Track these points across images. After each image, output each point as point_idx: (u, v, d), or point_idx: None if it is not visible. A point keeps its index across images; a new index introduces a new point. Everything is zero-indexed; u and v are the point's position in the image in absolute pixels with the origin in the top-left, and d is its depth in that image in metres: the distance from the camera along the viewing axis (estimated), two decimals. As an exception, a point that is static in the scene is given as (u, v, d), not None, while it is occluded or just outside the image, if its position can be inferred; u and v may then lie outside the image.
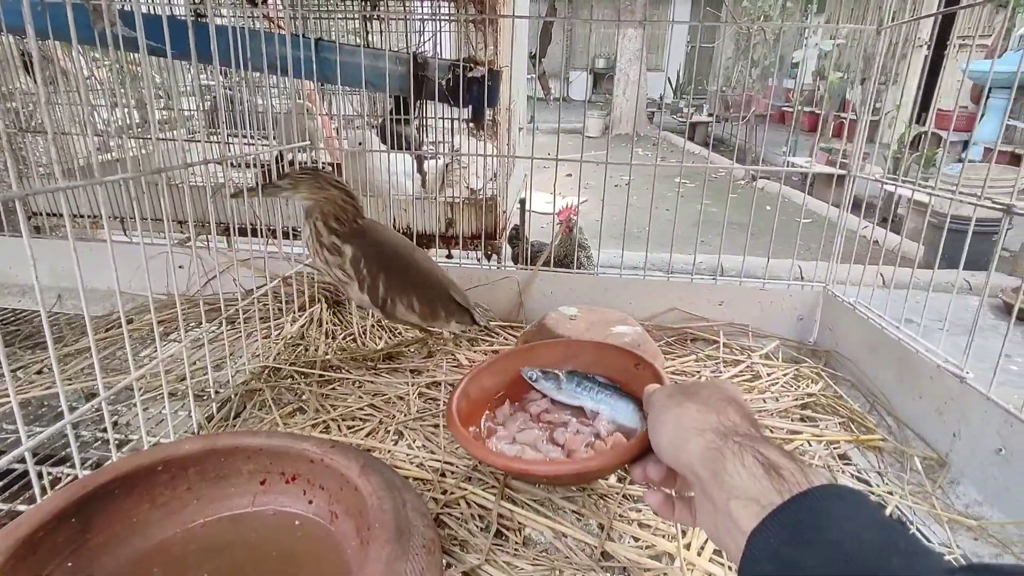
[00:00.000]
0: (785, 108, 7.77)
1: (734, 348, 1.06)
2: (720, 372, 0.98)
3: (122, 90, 1.75)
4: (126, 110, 1.81)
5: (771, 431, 0.82)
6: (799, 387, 0.94)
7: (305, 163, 1.23)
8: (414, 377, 0.92)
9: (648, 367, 0.71)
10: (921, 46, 1.33)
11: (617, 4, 7.84)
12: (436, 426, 0.80)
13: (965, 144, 4.62)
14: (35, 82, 1.65)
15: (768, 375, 0.97)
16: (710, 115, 7.54)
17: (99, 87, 1.81)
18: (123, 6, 1.37)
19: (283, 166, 1.55)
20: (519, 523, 0.63)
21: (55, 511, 0.46)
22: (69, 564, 0.47)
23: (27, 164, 1.54)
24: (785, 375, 0.97)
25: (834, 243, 1.10)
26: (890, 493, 0.71)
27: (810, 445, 0.80)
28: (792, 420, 0.86)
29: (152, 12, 1.54)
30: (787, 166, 1.25)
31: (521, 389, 0.75)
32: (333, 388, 0.88)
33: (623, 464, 0.58)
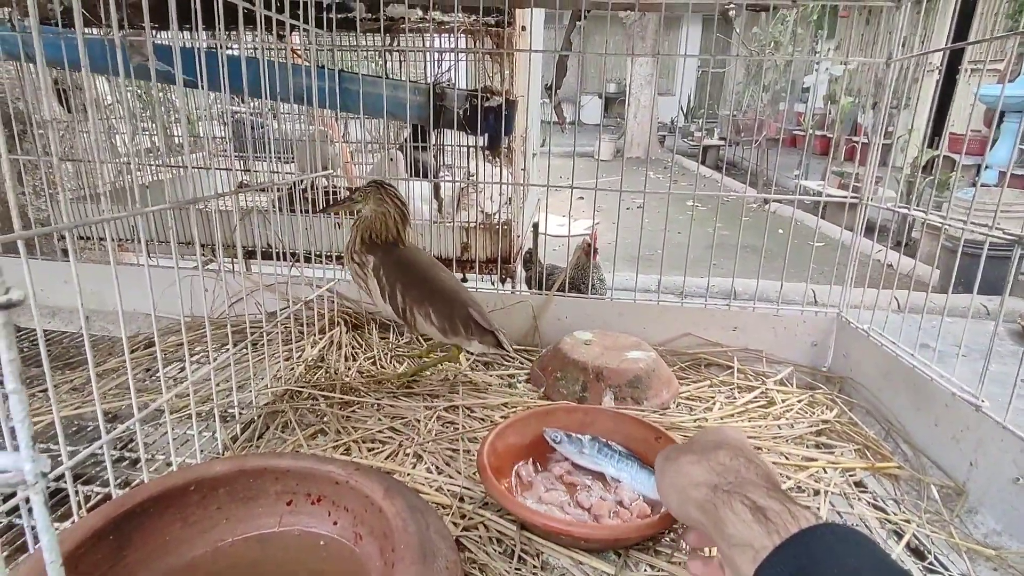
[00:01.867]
0: (796, 132, 7.80)
1: (748, 374, 1.07)
2: (735, 398, 0.99)
3: (147, 115, 1.81)
4: (154, 137, 1.87)
5: (786, 458, 0.82)
6: (814, 413, 0.95)
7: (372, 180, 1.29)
8: (432, 401, 0.94)
9: (668, 440, 0.73)
10: (933, 71, 1.35)
11: (629, 32, 7.97)
12: (455, 450, 0.81)
13: (979, 168, 4.61)
14: (68, 111, 1.72)
15: (783, 401, 0.97)
16: (722, 139, 7.59)
17: (122, 113, 1.88)
18: (158, 40, 1.43)
19: (302, 190, 1.59)
20: (537, 549, 0.64)
21: (94, 529, 0.48)
22: (106, 581, 0.48)
23: (61, 189, 1.60)
24: (800, 401, 0.97)
25: (847, 268, 1.11)
26: (907, 521, 0.71)
27: (825, 472, 0.80)
28: (807, 447, 0.86)
29: (184, 45, 1.60)
30: (799, 190, 1.26)
31: (542, 448, 0.77)
32: (353, 411, 0.90)
33: (657, 532, 0.64)
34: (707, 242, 1.13)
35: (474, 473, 0.76)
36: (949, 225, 0.81)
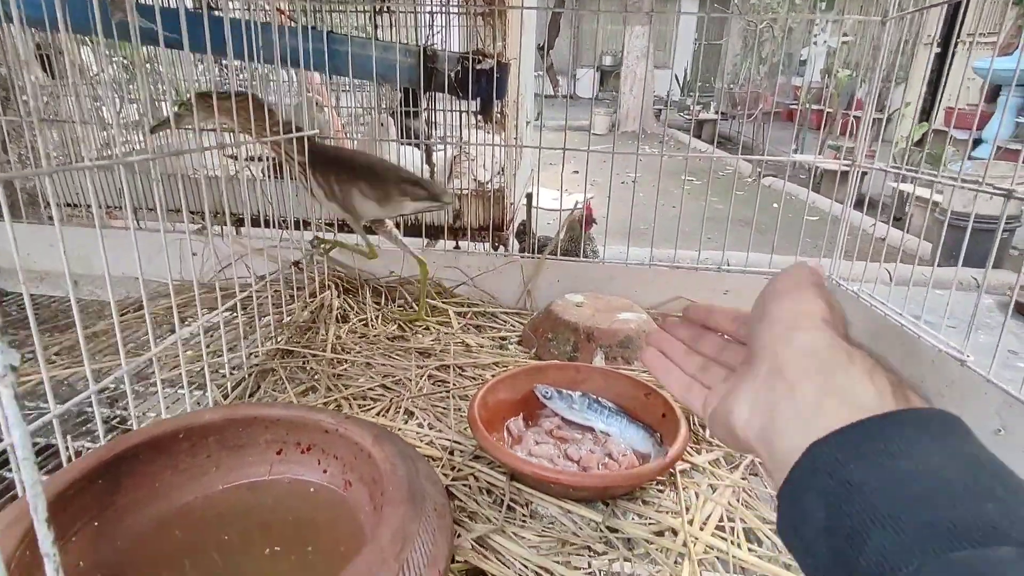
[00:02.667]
0: (793, 106, 7.74)
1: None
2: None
3: (132, 86, 1.77)
4: (136, 105, 1.84)
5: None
6: (802, 373, 0.95)
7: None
8: (424, 360, 0.94)
9: (658, 396, 0.74)
10: (929, 44, 1.34)
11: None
12: (446, 408, 0.82)
13: (976, 142, 4.61)
14: (51, 76, 1.68)
15: (772, 362, 0.98)
16: (721, 114, 7.53)
17: (108, 81, 1.84)
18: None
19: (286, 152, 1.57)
20: (526, 499, 0.65)
21: (85, 471, 0.48)
22: (96, 524, 0.49)
23: (29, 153, 1.57)
24: (789, 362, 0.98)
25: (839, 232, 1.11)
26: (890, 473, 0.72)
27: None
28: (795, 404, 0.87)
29: (167, 5, 1.56)
30: (792, 162, 1.26)
31: (533, 405, 0.78)
32: (344, 369, 0.90)
33: (646, 481, 0.67)
34: (701, 216, 1.12)
35: (465, 428, 0.76)
36: (939, 182, 0.81)
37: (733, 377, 0.38)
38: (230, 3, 1.30)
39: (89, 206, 1.50)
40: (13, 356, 0.22)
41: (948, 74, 1.34)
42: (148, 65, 1.89)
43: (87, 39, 1.61)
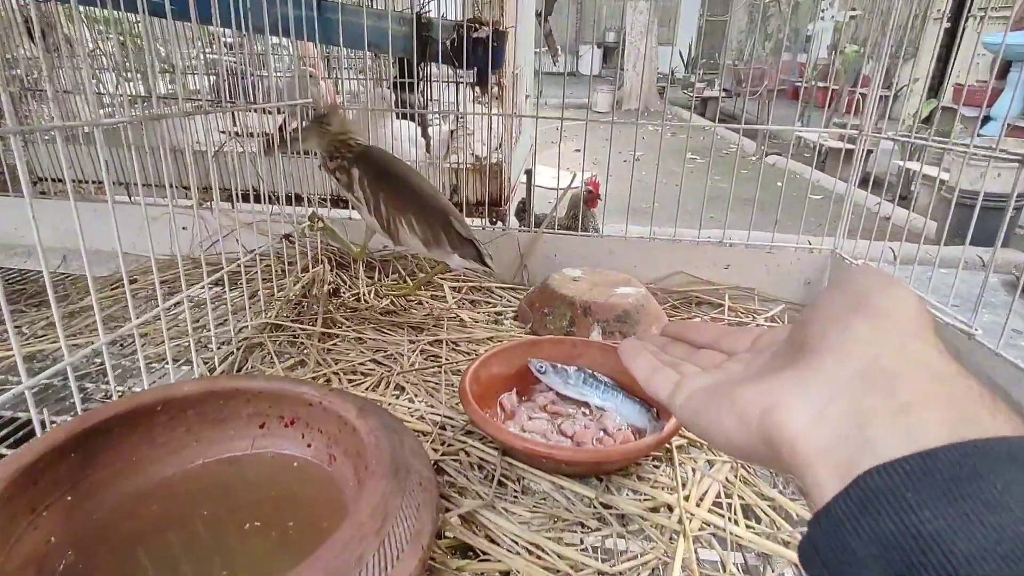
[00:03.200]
0: (798, 83, 7.61)
1: (739, 311, 1.05)
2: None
3: (130, 63, 1.73)
4: (130, 83, 1.80)
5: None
6: (804, 349, 0.93)
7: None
8: (417, 335, 0.92)
9: None
10: (938, 18, 1.29)
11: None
12: (438, 383, 0.80)
13: (985, 120, 4.53)
14: (39, 48, 1.64)
15: (773, 337, 0.96)
16: (725, 91, 7.41)
17: (104, 56, 1.80)
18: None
19: (287, 133, 1.54)
20: (518, 474, 0.63)
21: (56, 444, 0.46)
22: (68, 498, 0.47)
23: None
24: (790, 337, 0.96)
25: (843, 210, 1.08)
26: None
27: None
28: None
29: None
30: (797, 138, 1.22)
31: (527, 380, 0.76)
32: (335, 344, 0.88)
33: (641, 456, 0.65)
34: (703, 194, 1.09)
35: (457, 404, 0.75)
36: (950, 149, 0.78)
37: (758, 364, 0.31)
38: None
39: (93, 181, 1.48)
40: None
41: (958, 50, 1.29)
42: (139, 41, 1.85)
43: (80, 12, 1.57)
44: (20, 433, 0.68)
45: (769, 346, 0.33)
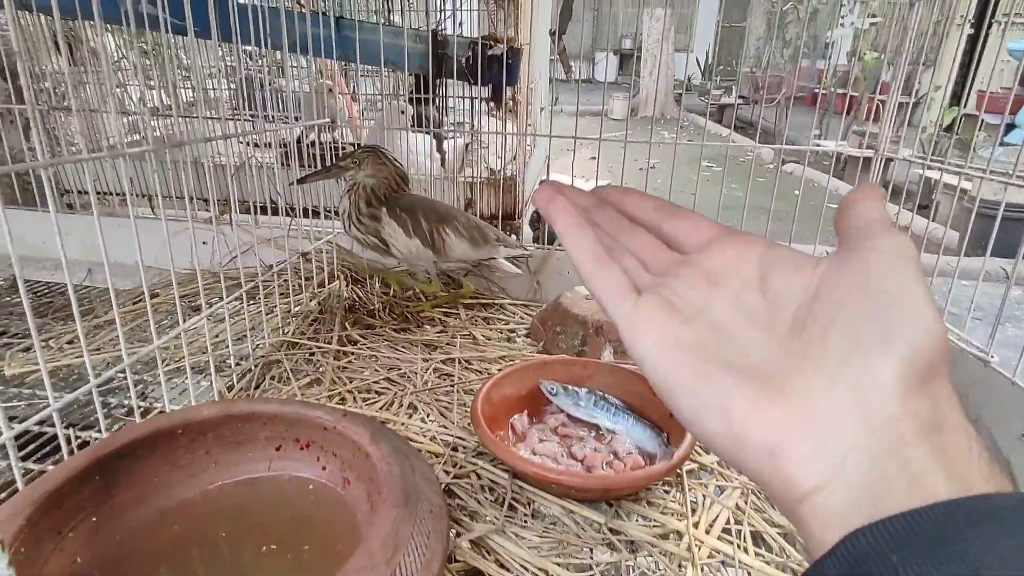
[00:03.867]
0: (817, 90, 7.54)
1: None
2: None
3: (155, 73, 1.78)
4: (155, 92, 1.84)
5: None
6: (818, 370, 0.93)
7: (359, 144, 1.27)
8: (430, 353, 0.93)
9: None
10: (961, 24, 1.28)
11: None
12: (450, 402, 0.81)
13: (1008, 127, 4.44)
14: (66, 62, 1.69)
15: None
16: (741, 98, 7.36)
17: (130, 68, 1.85)
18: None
19: (305, 145, 1.56)
20: (528, 498, 0.64)
21: (80, 468, 0.48)
22: (93, 519, 0.49)
23: (59, 143, 1.58)
24: (804, 358, 0.95)
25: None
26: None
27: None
28: (809, 402, 0.84)
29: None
30: (809, 144, 1.22)
31: (538, 401, 0.76)
32: (350, 361, 0.89)
33: (648, 484, 0.65)
34: (723, 203, 1.09)
35: (468, 424, 0.75)
36: (966, 173, 0.77)
37: (756, 338, 0.25)
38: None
39: (117, 193, 1.52)
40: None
41: (981, 56, 1.28)
42: (166, 51, 1.89)
43: (108, 26, 1.61)
44: (47, 448, 0.70)
45: (775, 303, 0.25)
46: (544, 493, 0.64)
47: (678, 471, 0.67)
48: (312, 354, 0.91)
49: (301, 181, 0.94)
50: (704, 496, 0.65)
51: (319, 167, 0.98)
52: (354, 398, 0.80)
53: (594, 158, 1.31)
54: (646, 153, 1.11)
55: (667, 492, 0.66)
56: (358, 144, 1.28)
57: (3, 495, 0.63)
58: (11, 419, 0.74)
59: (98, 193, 1.57)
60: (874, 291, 0.23)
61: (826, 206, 1.09)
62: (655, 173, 1.15)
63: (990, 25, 1.32)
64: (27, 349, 0.93)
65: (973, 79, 1.01)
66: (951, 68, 1.09)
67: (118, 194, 1.49)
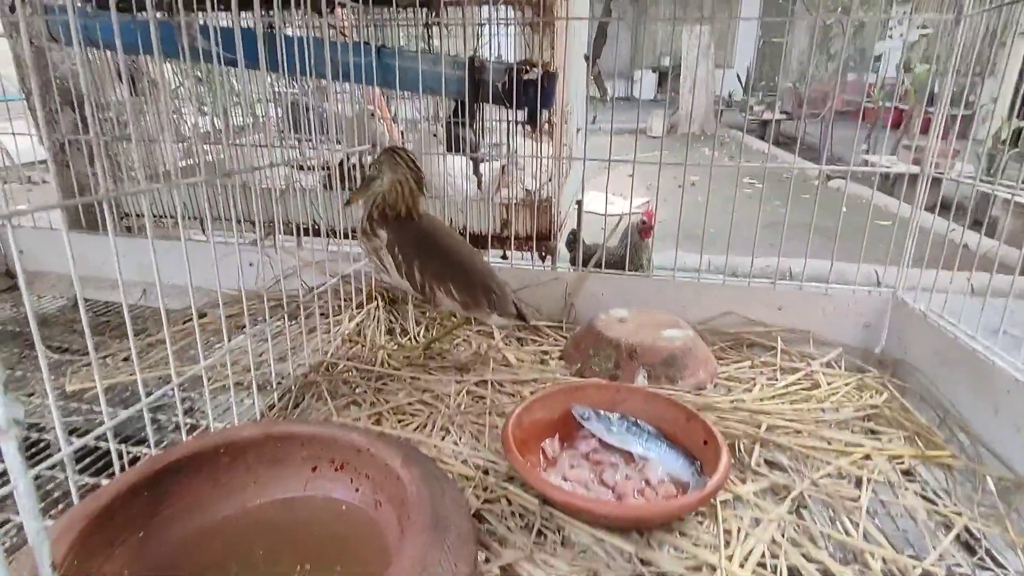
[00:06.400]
0: (866, 104, 7.33)
1: (793, 355, 1.02)
2: (776, 379, 0.95)
3: (208, 99, 1.87)
4: (210, 118, 1.94)
5: (828, 443, 0.78)
6: (862, 398, 0.90)
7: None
8: (463, 375, 0.94)
9: (699, 422, 0.71)
10: (1023, 33, 1.23)
11: None
12: (483, 425, 0.81)
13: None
14: (128, 92, 1.80)
15: (828, 384, 0.93)
16: (784, 113, 7.22)
17: (185, 95, 1.95)
18: (203, 21, 1.47)
19: (348, 168, 1.61)
20: (558, 524, 0.64)
21: (130, 484, 0.50)
22: (141, 534, 0.51)
23: (121, 169, 1.68)
24: (847, 385, 0.93)
25: (905, 245, 1.03)
26: (958, 514, 0.67)
27: (870, 459, 0.76)
28: (852, 432, 0.82)
29: (228, 26, 1.64)
30: (863, 161, 1.19)
31: (570, 425, 0.76)
32: (385, 383, 0.91)
33: (680, 516, 0.64)
34: (765, 221, 1.07)
35: (500, 447, 0.76)
36: (1017, 196, 0.74)
37: None
38: (286, 24, 1.35)
39: (171, 216, 1.60)
40: (17, 410, 0.23)
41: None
42: (218, 78, 2.00)
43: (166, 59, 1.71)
44: (100, 462, 0.74)
45: None
46: (575, 521, 0.64)
47: (712, 501, 0.66)
48: (350, 374, 0.93)
49: (348, 203, 0.93)
50: (739, 528, 0.63)
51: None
52: (390, 420, 0.82)
53: (631, 175, 1.31)
54: (689, 171, 1.11)
55: (700, 523, 0.65)
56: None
57: (61, 507, 0.67)
58: (70, 432, 0.79)
59: (155, 216, 1.66)
60: None
61: (873, 223, 1.05)
62: (694, 190, 1.14)
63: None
64: (87, 365, 0.98)
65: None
66: (1013, 79, 1.04)
67: (172, 216, 1.57)
